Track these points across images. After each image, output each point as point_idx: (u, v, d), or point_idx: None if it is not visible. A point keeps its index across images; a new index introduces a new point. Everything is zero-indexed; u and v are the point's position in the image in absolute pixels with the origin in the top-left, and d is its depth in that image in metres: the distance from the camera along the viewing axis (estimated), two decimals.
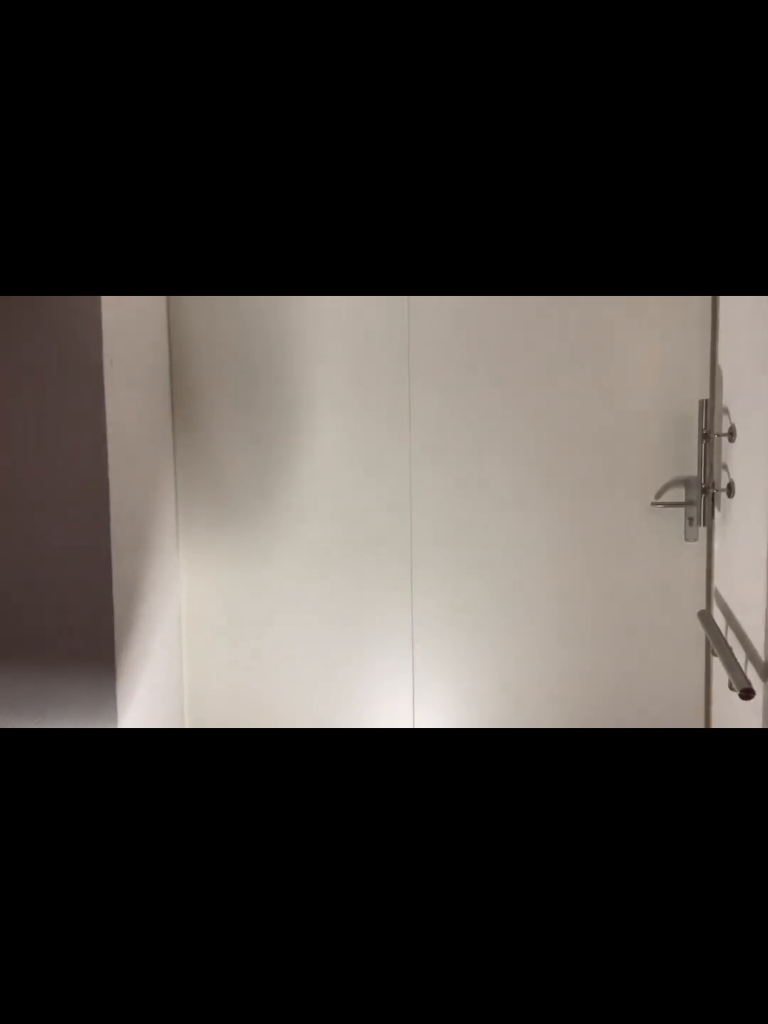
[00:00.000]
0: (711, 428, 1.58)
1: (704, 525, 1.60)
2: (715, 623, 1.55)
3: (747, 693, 1.31)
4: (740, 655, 1.42)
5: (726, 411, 1.54)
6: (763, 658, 1.33)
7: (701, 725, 1.75)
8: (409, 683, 1.83)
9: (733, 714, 1.54)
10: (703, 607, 1.71)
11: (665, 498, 1.67)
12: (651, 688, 1.75)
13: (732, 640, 1.48)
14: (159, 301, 1.74)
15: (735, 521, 1.49)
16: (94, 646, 1.51)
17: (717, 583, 1.65)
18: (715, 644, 1.45)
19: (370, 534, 1.77)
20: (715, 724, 1.73)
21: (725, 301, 1.56)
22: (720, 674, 1.65)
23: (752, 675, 1.37)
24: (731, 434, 1.47)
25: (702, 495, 1.57)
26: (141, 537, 1.66)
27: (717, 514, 1.61)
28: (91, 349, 1.47)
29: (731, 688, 1.44)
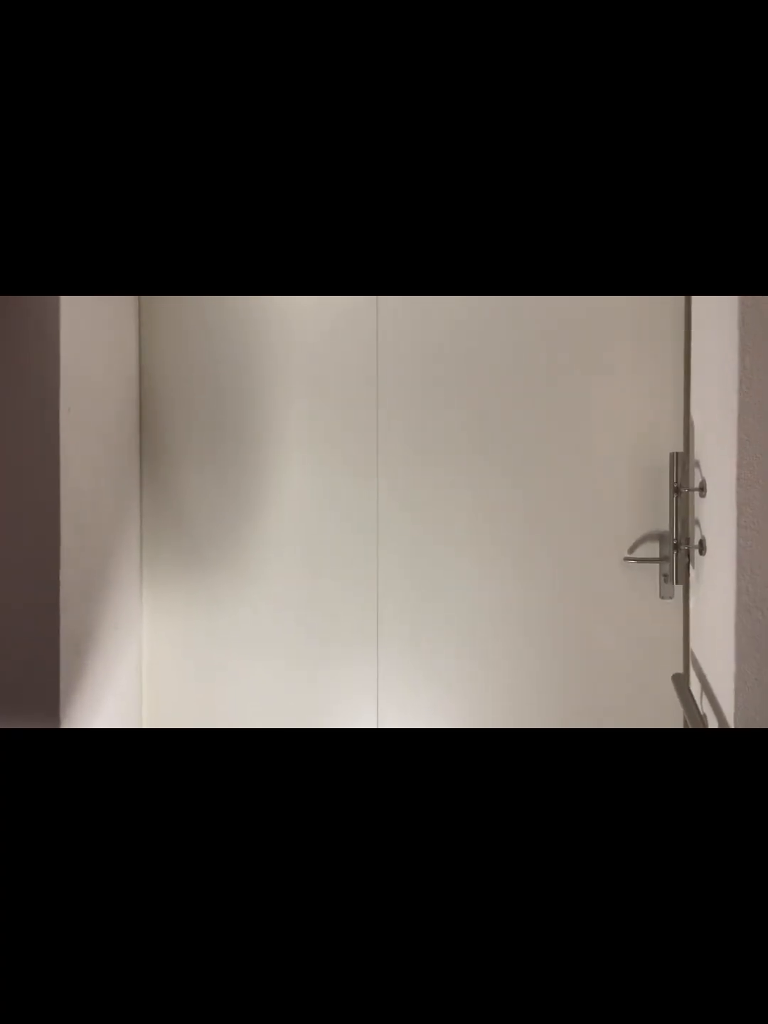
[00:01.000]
0: (682, 482, 1.53)
1: (679, 583, 1.53)
2: (689, 688, 1.46)
3: None
4: (712, 724, 1.33)
5: (698, 465, 1.49)
6: (732, 723, 1.24)
7: None
8: None
9: None
10: (680, 669, 1.62)
11: (639, 553, 1.61)
12: None
13: (706, 707, 1.39)
14: (131, 343, 1.74)
15: (707, 580, 1.42)
16: (37, 699, 1.46)
17: (693, 644, 1.57)
18: (687, 712, 1.37)
19: (338, 581, 1.72)
20: None
21: (697, 355, 1.52)
22: None
23: None
24: (702, 489, 1.42)
25: (675, 551, 1.51)
26: (98, 584, 1.62)
27: (691, 572, 1.54)
28: (48, 395, 1.46)
29: None
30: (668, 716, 1.63)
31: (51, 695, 1.45)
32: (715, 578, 1.37)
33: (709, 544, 1.40)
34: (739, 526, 1.21)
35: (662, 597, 1.61)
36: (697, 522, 1.49)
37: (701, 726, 1.31)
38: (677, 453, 1.53)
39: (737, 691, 1.24)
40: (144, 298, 1.77)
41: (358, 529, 1.71)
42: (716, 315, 1.34)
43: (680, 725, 1.64)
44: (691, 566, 1.54)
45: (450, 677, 1.70)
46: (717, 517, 1.34)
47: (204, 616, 1.76)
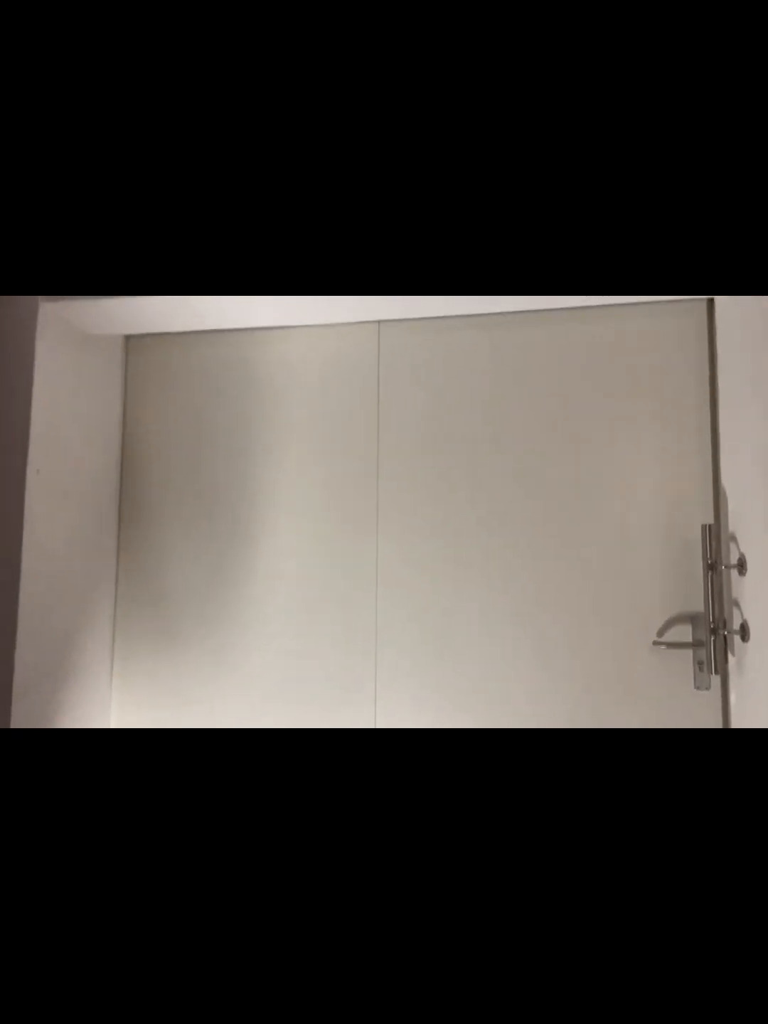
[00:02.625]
0: (717, 558, 1.36)
1: (716, 672, 1.34)
2: None
3: None
4: None
5: (733, 538, 1.33)
6: None
7: None
8: None
9: None
10: None
11: (668, 637, 1.43)
12: None
13: None
14: (114, 401, 1.63)
15: (752, 670, 1.23)
16: None
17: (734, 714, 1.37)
18: None
19: (331, 673, 1.54)
20: None
21: (725, 417, 1.39)
22: None
23: None
24: (741, 566, 1.25)
25: (711, 636, 1.33)
26: (60, 668, 1.44)
27: (731, 660, 1.36)
28: (15, 456, 1.33)
29: None
30: None
31: None
32: (761, 668, 1.18)
33: (753, 628, 1.22)
34: None
35: (697, 688, 1.42)
36: (736, 603, 1.32)
37: None
38: (709, 525, 1.38)
39: None
40: (131, 356, 1.67)
41: (355, 615, 1.54)
42: (747, 373, 1.21)
43: None
44: (730, 653, 1.35)
45: None
46: (762, 598, 1.17)
47: (181, 709, 1.57)
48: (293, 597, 1.56)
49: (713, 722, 1.42)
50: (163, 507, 1.62)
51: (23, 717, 1.31)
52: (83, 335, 1.51)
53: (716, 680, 1.42)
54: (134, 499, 1.63)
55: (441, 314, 1.52)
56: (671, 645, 1.41)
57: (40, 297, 1.33)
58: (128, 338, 1.67)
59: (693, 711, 1.42)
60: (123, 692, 1.59)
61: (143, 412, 1.65)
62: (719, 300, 1.41)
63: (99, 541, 1.58)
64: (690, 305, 1.47)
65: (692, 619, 1.42)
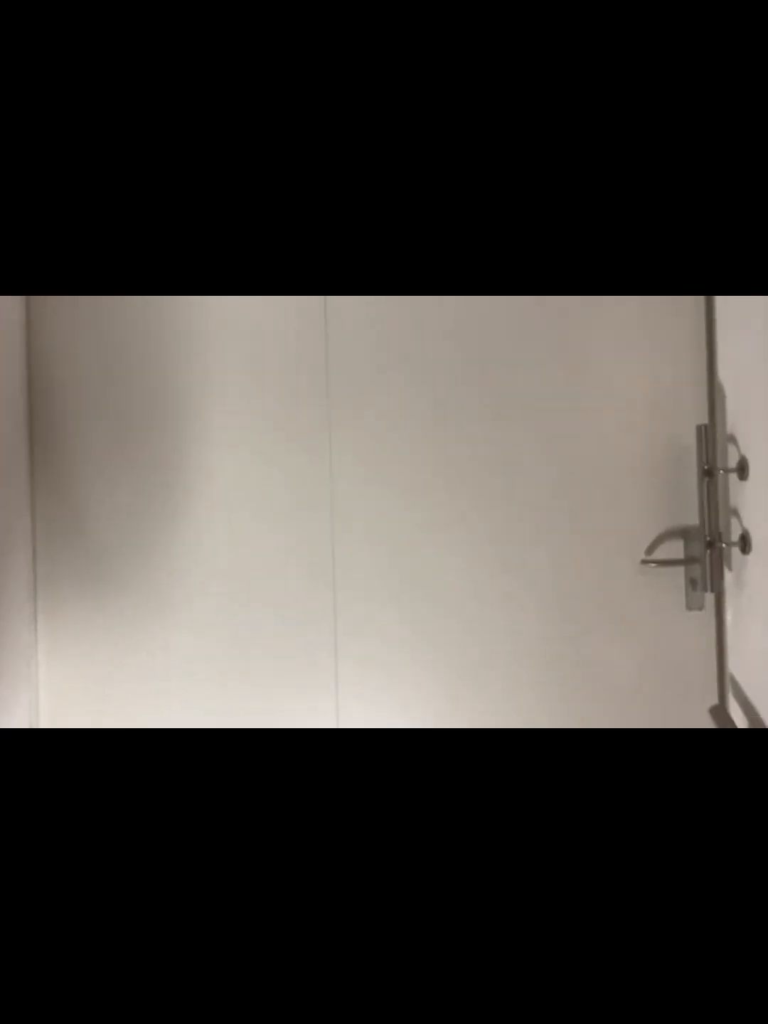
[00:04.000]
0: (713, 462, 1.21)
1: (712, 590, 1.21)
2: (733, 723, 1.14)
3: None
4: None
5: (732, 439, 1.18)
6: None
7: None
8: None
9: None
10: (716, 700, 1.30)
11: (658, 554, 1.29)
12: None
13: None
14: (15, 320, 1.40)
15: (753, 584, 1.10)
16: None
17: (732, 667, 1.25)
18: None
19: (284, 606, 1.38)
20: None
21: (722, 302, 1.22)
22: None
23: None
24: (741, 469, 1.10)
25: (707, 550, 1.19)
26: None
27: (727, 575, 1.22)
28: None
29: None
30: None
31: None
32: (763, 582, 1.05)
33: (755, 538, 1.08)
34: None
35: (690, 608, 1.29)
36: (735, 512, 1.17)
37: None
38: (704, 426, 1.22)
39: None
40: None
41: (308, 545, 1.37)
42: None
43: None
44: (727, 568, 1.22)
45: (428, 719, 1.36)
46: (765, 504, 1.02)
47: (112, 648, 1.41)
48: (235, 515, 1.39)
49: (706, 645, 1.30)
50: (78, 433, 1.42)
51: None
52: None
53: (710, 599, 1.29)
54: (45, 415, 1.42)
55: None
56: (661, 563, 1.27)
57: None
58: None
59: (685, 634, 1.30)
60: (49, 636, 1.42)
61: (50, 318, 1.43)
62: None
63: (11, 469, 1.39)
64: None
65: (684, 533, 1.28)
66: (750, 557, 1.10)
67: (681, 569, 1.29)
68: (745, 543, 1.10)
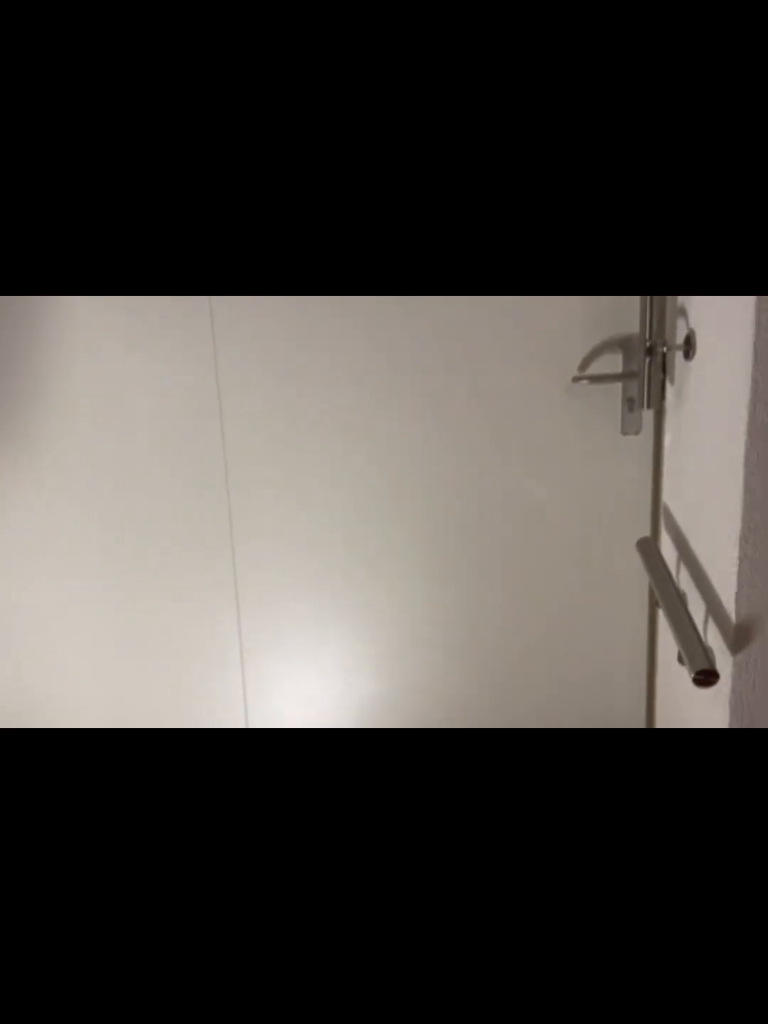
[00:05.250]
0: None
1: (650, 406, 1.04)
2: (662, 559, 1.02)
3: (705, 678, 0.79)
4: (698, 610, 0.89)
5: None
6: (733, 618, 0.80)
7: (640, 712, 1.26)
8: (237, 658, 1.29)
9: (682, 696, 1.03)
10: (647, 531, 1.18)
11: (593, 369, 1.10)
12: (567, 655, 1.23)
13: (688, 584, 0.95)
14: None
15: (695, 398, 0.93)
16: None
17: (667, 496, 1.12)
18: (660, 594, 0.93)
19: (162, 454, 1.19)
20: (660, 712, 1.23)
21: None
22: (667, 635, 1.14)
23: (715, 644, 0.85)
24: None
25: (647, 359, 1.01)
26: None
27: (669, 390, 1.06)
28: None
29: (680, 662, 0.92)
30: (627, 607, 1.20)
31: None
32: (707, 391, 0.88)
33: (700, 340, 0.90)
34: (759, 304, 0.71)
35: (625, 432, 1.13)
36: (683, 312, 0.98)
37: (678, 615, 0.87)
38: None
39: (743, 560, 0.78)
40: None
41: (190, 373, 1.16)
42: None
43: (645, 612, 1.22)
44: (669, 381, 1.05)
45: (334, 576, 1.22)
46: (715, 301, 0.83)
47: None
48: (106, 348, 1.16)
49: (640, 475, 1.15)
50: None
51: None
52: None
53: (648, 424, 1.13)
54: None
55: None
56: (595, 380, 1.09)
57: None
58: None
59: (618, 464, 1.15)
60: None
61: None
62: None
63: None
64: None
65: (623, 344, 1.09)
66: (693, 364, 0.93)
67: (618, 388, 1.11)
68: (689, 346, 0.92)
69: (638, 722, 1.26)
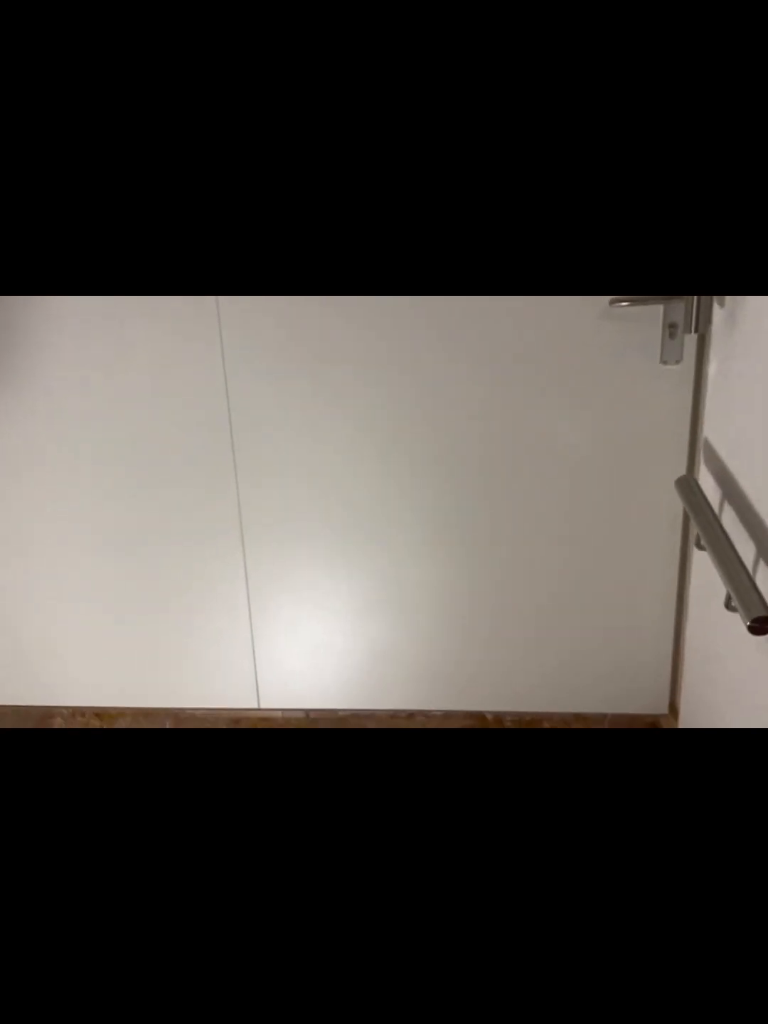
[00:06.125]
0: None
1: (696, 330, 0.95)
2: (705, 498, 0.94)
3: (761, 625, 0.73)
4: (748, 552, 0.82)
5: None
6: None
7: (666, 659, 1.20)
8: (244, 599, 1.23)
9: (720, 643, 0.97)
10: (684, 470, 1.10)
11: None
12: (594, 600, 1.17)
13: (733, 525, 0.88)
14: None
15: (749, 325, 0.84)
16: None
17: (709, 430, 1.04)
18: (707, 537, 0.86)
19: (164, 373, 1.10)
20: (689, 660, 1.18)
21: None
22: (703, 579, 1.07)
23: (766, 589, 0.79)
24: None
25: None
26: None
27: (717, 313, 0.96)
28: None
29: (730, 607, 0.85)
30: (658, 549, 1.13)
31: None
32: (763, 316, 0.79)
33: None
34: None
35: (665, 361, 1.04)
36: None
37: (726, 555, 0.80)
38: None
39: None
40: None
41: (190, 302, 1.05)
42: None
43: (677, 553, 1.15)
44: (718, 303, 0.95)
45: (344, 516, 1.15)
46: None
47: None
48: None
49: (679, 407, 1.07)
50: None
51: None
52: None
53: (690, 351, 1.04)
54: None
55: None
56: (635, 301, 1.00)
57: None
58: None
59: (655, 394, 1.06)
60: None
61: None
62: None
63: None
64: None
65: None
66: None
67: (659, 311, 1.02)
68: None
69: (664, 671, 1.21)
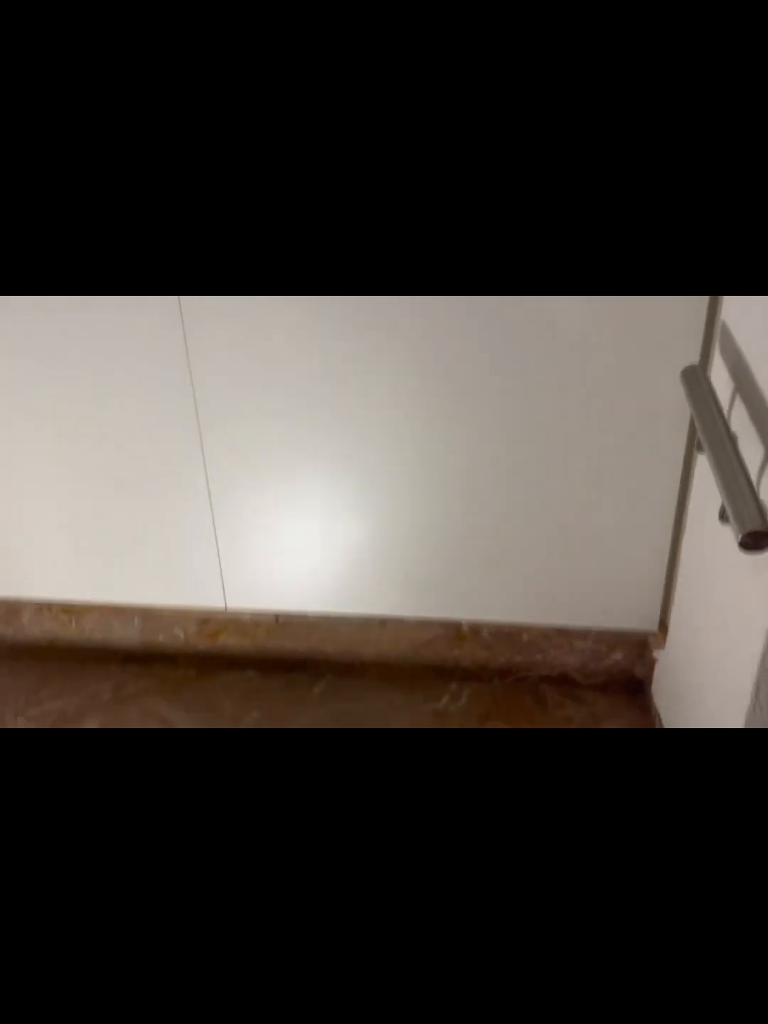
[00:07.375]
0: None
1: None
2: (712, 392, 0.81)
3: (754, 541, 0.62)
4: (754, 456, 0.70)
5: None
6: None
7: (660, 574, 1.09)
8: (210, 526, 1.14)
9: (719, 561, 0.86)
10: (694, 357, 0.95)
11: None
12: (582, 507, 1.06)
13: (743, 425, 0.75)
14: None
15: None
16: None
17: (727, 314, 0.88)
18: (705, 435, 0.73)
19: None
20: (683, 578, 1.07)
21: None
22: (705, 488, 0.95)
23: None
24: None
25: None
26: None
27: None
28: None
29: (724, 519, 0.74)
30: (661, 450, 1.00)
31: None
32: None
33: None
34: None
35: None
36: None
37: (725, 459, 0.67)
38: None
39: None
40: None
41: None
42: None
43: (680, 454, 1.02)
44: None
45: (309, 404, 1.03)
46: None
47: None
48: None
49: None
50: None
51: None
52: None
53: None
54: None
55: None
56: None
57: None
58: None
59: None
60: None
61: None
62: None
63: None
64: None
65: None
66: None
67: None
68: None
69: (657, 585, 1.11)
